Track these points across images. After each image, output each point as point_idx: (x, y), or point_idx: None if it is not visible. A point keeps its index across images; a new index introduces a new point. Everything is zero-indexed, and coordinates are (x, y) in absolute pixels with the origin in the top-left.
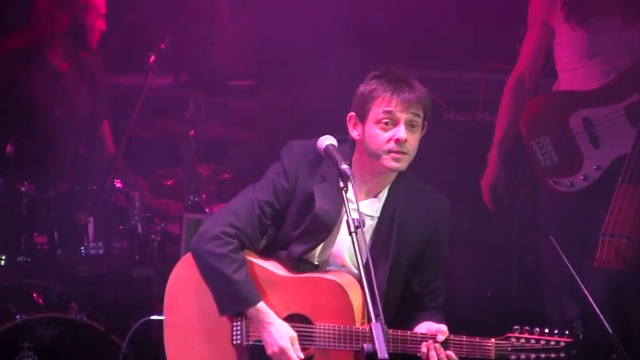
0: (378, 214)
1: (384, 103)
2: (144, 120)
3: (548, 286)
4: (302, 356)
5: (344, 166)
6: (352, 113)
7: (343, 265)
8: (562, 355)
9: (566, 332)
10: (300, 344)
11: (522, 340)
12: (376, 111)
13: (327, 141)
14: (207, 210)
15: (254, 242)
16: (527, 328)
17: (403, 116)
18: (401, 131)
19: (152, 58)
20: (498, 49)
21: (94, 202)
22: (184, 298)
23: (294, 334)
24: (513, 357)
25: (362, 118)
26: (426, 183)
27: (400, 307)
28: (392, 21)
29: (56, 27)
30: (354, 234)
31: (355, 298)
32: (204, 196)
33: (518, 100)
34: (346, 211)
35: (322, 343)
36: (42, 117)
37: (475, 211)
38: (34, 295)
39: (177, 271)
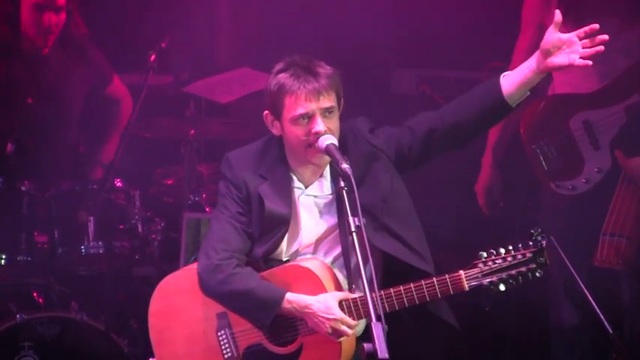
0: (330, 191)
1: (294, 100)
2: (144, 119)
3: (549, 288)
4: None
5: (344, 166)
6: (266, 111)
7: (315, 253)
8: (532, 265)
9: (530, 243)
10: (284, 337)
11: (490, 264)
12: (288, 109)
13: (327, 140)
14: (207, 209)
15: (249, 254)
16: (493, 251)
17: (316, 108)
18: (318, 124)
19: (153, 57)
20: (498, 48)
21: (94, 201)
22: (168, 330)
23: (339, 294)
24: (486, 282)
25: (277, 115)
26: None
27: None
28: (392, 20)
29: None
30: (354, 234)
31: (322, 273)
32: (204, 195)
33: None
34: (346, 211)
35: (307, 329)
36: (19, 107)
37: (473, 211)
38: (35, 294)
39: (153, 305)
